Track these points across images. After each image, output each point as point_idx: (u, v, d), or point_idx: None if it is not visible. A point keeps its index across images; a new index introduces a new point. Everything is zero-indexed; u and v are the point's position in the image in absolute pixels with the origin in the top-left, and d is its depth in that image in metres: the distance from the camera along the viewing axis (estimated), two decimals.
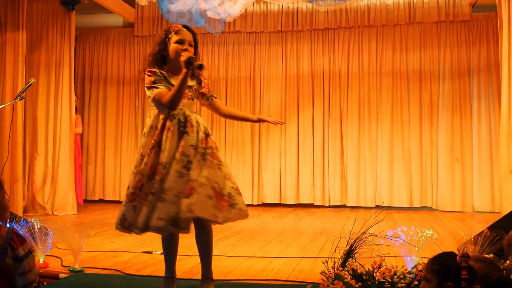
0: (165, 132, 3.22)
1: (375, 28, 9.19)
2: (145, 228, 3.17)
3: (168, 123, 3.24)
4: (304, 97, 9.33)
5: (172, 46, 3.29)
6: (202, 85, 3.45)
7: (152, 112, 3.34)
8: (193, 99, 3.37)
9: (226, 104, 8.83)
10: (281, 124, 3.66)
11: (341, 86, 9.24)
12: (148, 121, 3.34)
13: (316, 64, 9.35)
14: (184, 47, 3.26)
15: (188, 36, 3.32)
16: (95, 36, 10.02)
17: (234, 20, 8.49)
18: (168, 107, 3.20)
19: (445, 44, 8.94)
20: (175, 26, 3.34)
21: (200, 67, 3.15)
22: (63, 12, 8.20)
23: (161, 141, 3.22)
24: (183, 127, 3.24)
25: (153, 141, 3.22)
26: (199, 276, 3.45)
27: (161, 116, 3.28)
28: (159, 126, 3.26)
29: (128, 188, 3.33)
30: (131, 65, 9.89)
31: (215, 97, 3.54)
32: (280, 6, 9.27)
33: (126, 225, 3.24)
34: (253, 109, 9.45)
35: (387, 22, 9.07)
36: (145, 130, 3.33)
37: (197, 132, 3.27)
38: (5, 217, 2.83)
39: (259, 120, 3.64)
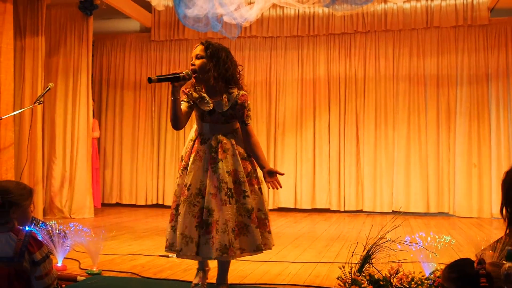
0: (193, 155, 3.31)
1: (392, 32, 9.16)
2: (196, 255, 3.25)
3: (197, 146, 3.33)
4: (320, 102, 9.31)
5: None
6: (237, 108, 3.34)
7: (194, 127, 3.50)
8: (228, 122, 3.36)
9: None
10: (274, 188, 3.44)
11: (357, 91, 9.21)
12: (189, 136, 3.48)
13: (333, 69, 9.33)
14: (191, 63, 3.33)
15: (196, 51, 3.34)
16: (112, 41, 10.10)
17: (250, 25, 8.51)
18: (172, 127, 3.34)
19: (463, 49, 8.88)
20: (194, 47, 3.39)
21: (148, 80, 3.19)
22: (81, 18, 8.26)
23: (188, 163, 3.32)
24: (214, 152, 3.29)
25: (184, 163, 3.36)
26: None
27: (192, 137, 3.41)
28: (189, 146, 3.38)
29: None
30: (148, 70, 9.94)
31: (247, 124, 3.39)
32: (296, 11, 9.27)
33: (168, 245, 3.33)
34: (268, 114, 9.45)
35: (404, 27, 9.03)
36: (185, 147, 3.48)
37: (233, 156, 3.31)
38: (24, 225, 2.87)
39: (263, 171, 3.43)
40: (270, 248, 3.37)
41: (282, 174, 3.46)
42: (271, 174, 3.42)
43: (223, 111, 3.32)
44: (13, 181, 2.94)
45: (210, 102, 3.33)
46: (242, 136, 3.43)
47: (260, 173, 3.45)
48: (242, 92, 3.37)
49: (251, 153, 3.44)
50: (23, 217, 2.84)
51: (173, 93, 3.19)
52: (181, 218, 3.23)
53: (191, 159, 3.31)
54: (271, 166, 9.12)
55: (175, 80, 3.19)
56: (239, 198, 3.27)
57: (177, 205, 3.32)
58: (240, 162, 3.33)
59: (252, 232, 3.25)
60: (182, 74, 3.19)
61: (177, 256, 3.32)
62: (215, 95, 3.35)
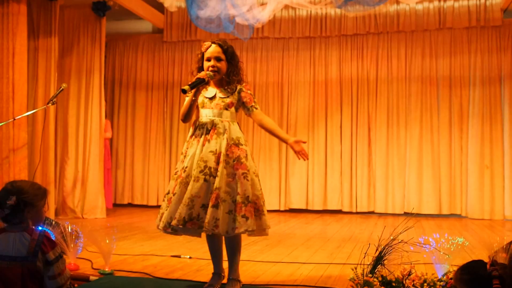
0: (191, 140, 3.52)
1: (405, 33, 9.12)
2: (168, 226, 3.43)
3: (197, 131, 3.51)
4: (332, 103, 9.29)
5: (204, 64, 3.56)
6: (242, 95, 3.59)
7: None
8: (227, 109, 3.53)
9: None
10: (304, 159, 3.56)
11: (369, 92, 9.18)
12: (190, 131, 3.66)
13: (345, 70, 9.31)
14: (211, 64, 3.51)
15: (214, 52, 3.54)
16: (125, 42, 10.14)
17: (263, 26, 8.52)
18: (181, 120, 3.57)
19: (476, 50, 8.82)
20: (205, 44, 3.60)
21: (182, 91, 3.38)
22: (94, 19, 8.31)
23: (188, 148, 3.52)
24: (207, 134, 3.46)
25: (186, 149, 3.53)
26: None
27: (193, 126, 3.58)
28: (190, 135, 3.57)
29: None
30: (160, 71, 9.97)
31: (256, 108, 3.62)
32: (309, 12, 9.26)
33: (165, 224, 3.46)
34: (280, 115, 9.45)
35: (417, 28, 8.99)
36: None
37: (222, 140, 3.43)
38: (38, 225, 2.89)
39: (288, 144, 3.57)
40: (234, 233, 3.37)
41: (305, 142, 3.62)
42: (297, 145, 3.53)
43: (225, 96, 3.54)
44: (28, 181, 2.96)
45: (214, 88, 3.59)
46: (257, 120, 3.62)
47: (250, 163, 3.48)
48: (244, 83, 3.64)
49: (270, 132, 3.63)
50: (37, 217, 2.86)
51: (196, 94, 3.46)
52: (175, 198, 3.40)
53: (190, 144, 3.51)
54: (282, 166, 9.22)
55: (202, 84, 3.46)
56: (225, 183, 3.38)
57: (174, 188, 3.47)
58: (228, 146, 3.43)
59: (209, 212, 3.32)
60: (207, 78, 3.46)
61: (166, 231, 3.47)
62: (221, 86, 3.61)
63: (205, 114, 3.53)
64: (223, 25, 6.39)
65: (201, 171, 3.37)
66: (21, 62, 6.70)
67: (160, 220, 3.47)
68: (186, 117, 3.54)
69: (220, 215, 3.32)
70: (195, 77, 3.47)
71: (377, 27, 9.13)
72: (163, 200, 3.54)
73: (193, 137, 3.51)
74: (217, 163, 3.39)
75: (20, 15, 6.70)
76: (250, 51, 9.62)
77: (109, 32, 9.12)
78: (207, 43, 3.60)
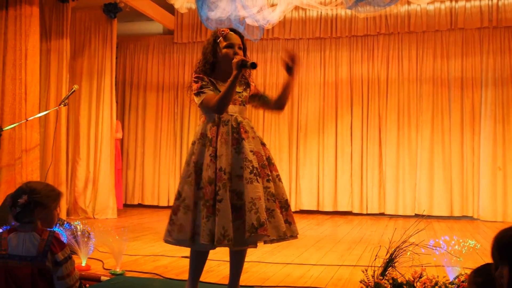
0: (219, 138, 3.10)
1: (416, 34, 9.07)
2: (222, 238, 2.94)
3: (221, 129, 3.12)
4: (342, 104, 9.27)
5: (223, 52, 3.20)
6: (252, 88, 3.33)
7: (201, 119, 3.27)
8: (244, 105, 3.25)
9: (264, 114, 9.12)
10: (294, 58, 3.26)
11: (380, 93, 9.15)
12: (197, 129, 3.23)
13: (355, 71, 9.28)
14: (234, 51, 3.18)
15: (236, 39, 3.24)
16: (136, 43, 10.17)
17: (273, 27, 8.50)
18: (216, 110, 3.11)
19: (488, 51, 8.76)
20: (222, 31, 3.25)
21: (254, 65, 3.02)
22: (105, 20, 8.35)
23: (216, 148, 3.09)
24: (236, 133, 3.13)
25: (212, 148, 3.09)
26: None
27: (211, 124, 3.16)
28: (210, 133, 3.13)
29: (183, 199, 3.11)
30: (171, 72, 10.00)
31: (266, 94, 3.40)
32: (319, 13, 9.23)
33: (211, 239, 2.97)
34: (290, 116, 9.44)
35: (428, 28, 8.94)
36: (194, 138, 3.21)
37: (253, 138, 3.17)
38: (49, 227, 2.90)
39: (288, 74, 3.28)
40: (289, 238, 3.12)
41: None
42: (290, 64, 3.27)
43: (241, 91, 3.23)
44: (43, 183, 2.98)
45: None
46: (268, 104, 3.39)
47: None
48: (250, 77, 3.37)
49: (280, 98, 3.33)
50: (48, 219, 2.86)
51: (238, 78, 3.07)
52: (224, 205, 2.96)
53: (218, 143, 3.09)
54: (293, 167, 9.19)
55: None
56: (263, 181, 3.10)
57: (215, 193, 3.01)
58: (262, 147, 3.21)
59: (277, 218, 3.07)
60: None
61: (209, 248, 3.07)
62: (226, 80, 3.13)
63: (227, 111, 3.15)
64: (233, 26, 6.39)
65: (251, 172, 3.03)
66: (33, 63, 6.76)
67: (207, 234, 2.96)
68: (227, 107, 3.11)
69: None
70: (239, 59, 3.04)
71: (388, 27, 9.09)
72: (184, 209, 3.07)
73: (221, 135, 3.09)
74: (258, 163, 3.09)
75: (33, 17, 6.76)
76: (260, 52, 9.61)
77: (120, 33, 9.16)
78: (225, 29, 3.25)
